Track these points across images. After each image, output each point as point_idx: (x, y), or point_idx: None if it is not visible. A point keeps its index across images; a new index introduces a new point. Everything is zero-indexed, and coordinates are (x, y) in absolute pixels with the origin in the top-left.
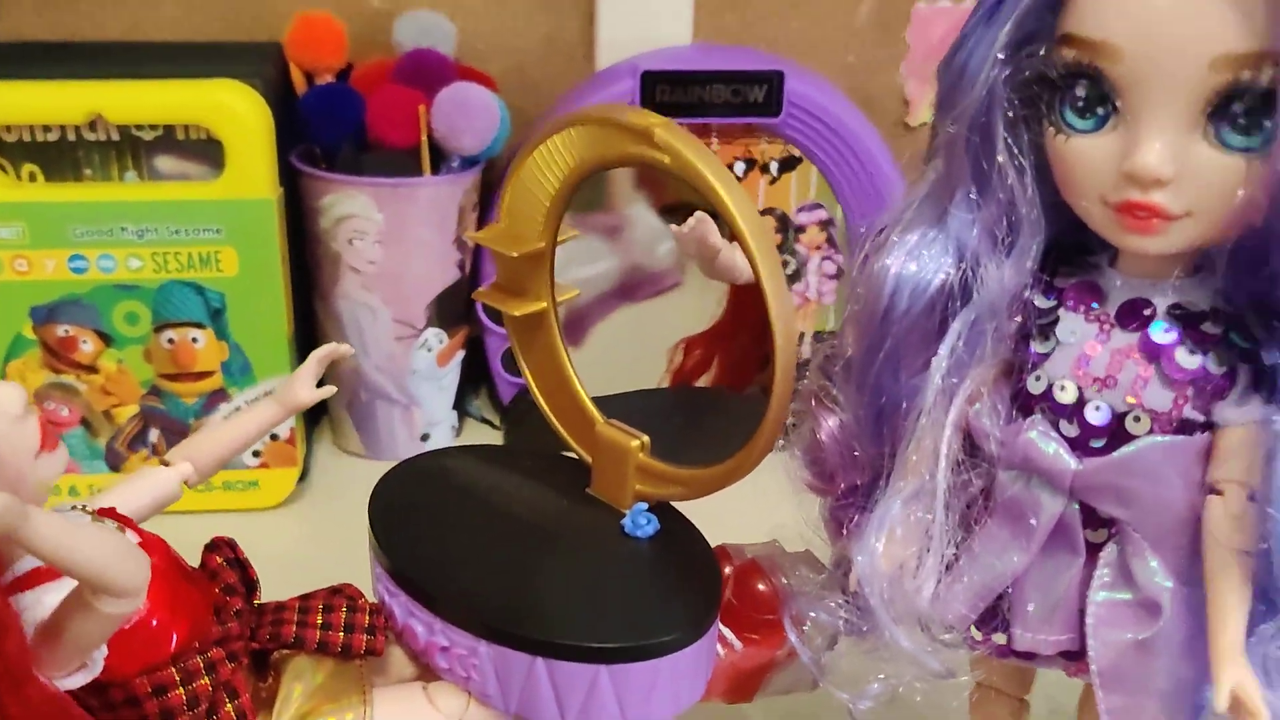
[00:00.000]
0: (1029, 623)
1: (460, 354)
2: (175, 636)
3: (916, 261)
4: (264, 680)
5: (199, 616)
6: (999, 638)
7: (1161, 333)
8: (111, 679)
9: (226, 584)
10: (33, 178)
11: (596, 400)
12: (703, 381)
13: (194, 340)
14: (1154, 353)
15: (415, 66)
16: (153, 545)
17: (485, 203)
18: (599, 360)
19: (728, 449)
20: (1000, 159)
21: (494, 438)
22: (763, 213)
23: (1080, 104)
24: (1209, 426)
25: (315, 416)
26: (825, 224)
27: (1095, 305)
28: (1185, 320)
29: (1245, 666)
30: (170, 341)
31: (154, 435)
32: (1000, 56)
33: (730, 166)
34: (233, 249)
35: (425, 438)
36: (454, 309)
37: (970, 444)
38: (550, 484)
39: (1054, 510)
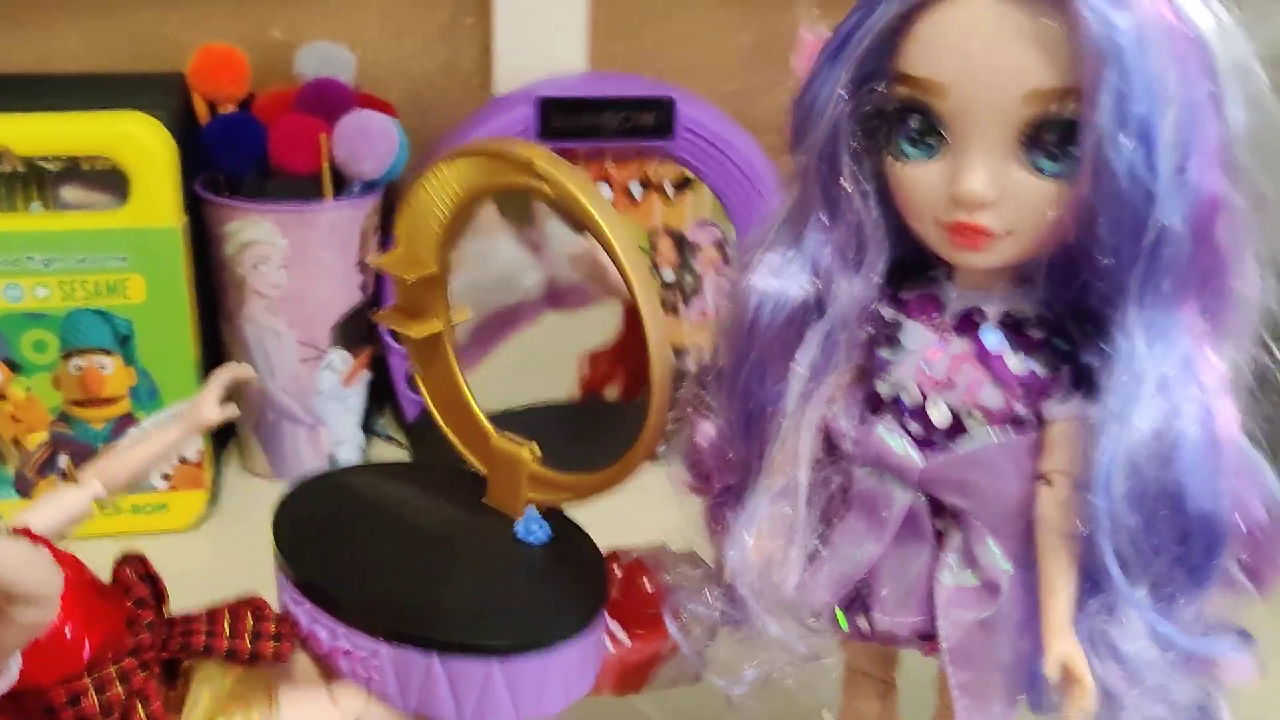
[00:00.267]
0: (886, 607)
1: (365, 374)
2: (89, 647)
3: (778, 279)
4: (174, 688)
5: (112, 628)
6: (862, 622)
7: (992, 338)
8: (27, 688)
9: (138, 597)
10: None
11: (494, 416)
12: (610, 391)
13: (102, 367)
14: (985, 357)
15: (316, 95)
16: (66, 561)
17: (386, 226)
18: (519, 370)
19: (613, 455)
20: (846, 185)
21: (400, 456)
22: (660, 232)
23: (914, 135)
24: (1039, 422)
25: (223, 439)
26: (720, 243)
27: (935, 315)
28: (1013, 327)
29: (1072, 639)
30: (78, 368)
31: (63, 461)
32: (843, 94)
33: (627, 188)
34: (139, 276)
35: (332, 458)
36: (358, 330)
37: (830, 444)
38: (447, 496)
39: (904, 502)
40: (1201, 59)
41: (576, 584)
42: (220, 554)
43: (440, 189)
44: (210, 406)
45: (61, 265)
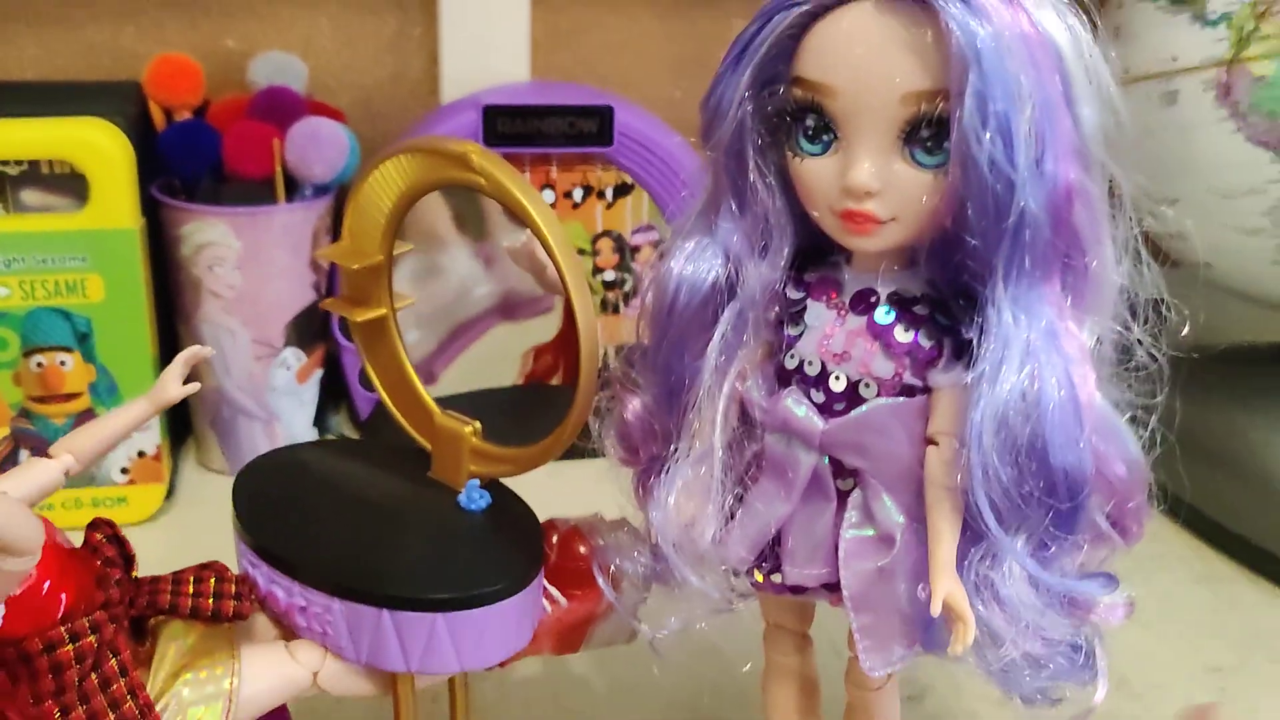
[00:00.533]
0: (795, 560)
1: (319, 372)
2: (64, 601)
3: (693, 264)
4: (142, 644)
5: (84, 584)
6: (775, 576)
7: (883, 315)
8: (4, 638)
9: (107, 557)
10: None
11: (443, 399)
12: (554, 380)
13: (62, 364)
14: (877, 332)
15: (269, 103)
16: (41, 522)
17: (338, 227)
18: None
19: (547, 430)
20: (752, 178)
21: None
22: (601, 235)
23: (810, 132)
24: (928, 390)
25: (180, 435)
26: (658, 244)
27: (834, 295)
28: (901, 305)
29: (955, 580)
30: (39, 365)
31: (24, 456)
32: (746, 95)
33: (570, 193)
34: (98, 276)
35: None
36: (311, 328)
37: (745, 414)
38: (395, 469)
39: (809, 464)
40: (1054, 62)
41: (515, 546)
42: (177, 546)
43: (384, 184)
44: (174, 384)
45: (22, 265)
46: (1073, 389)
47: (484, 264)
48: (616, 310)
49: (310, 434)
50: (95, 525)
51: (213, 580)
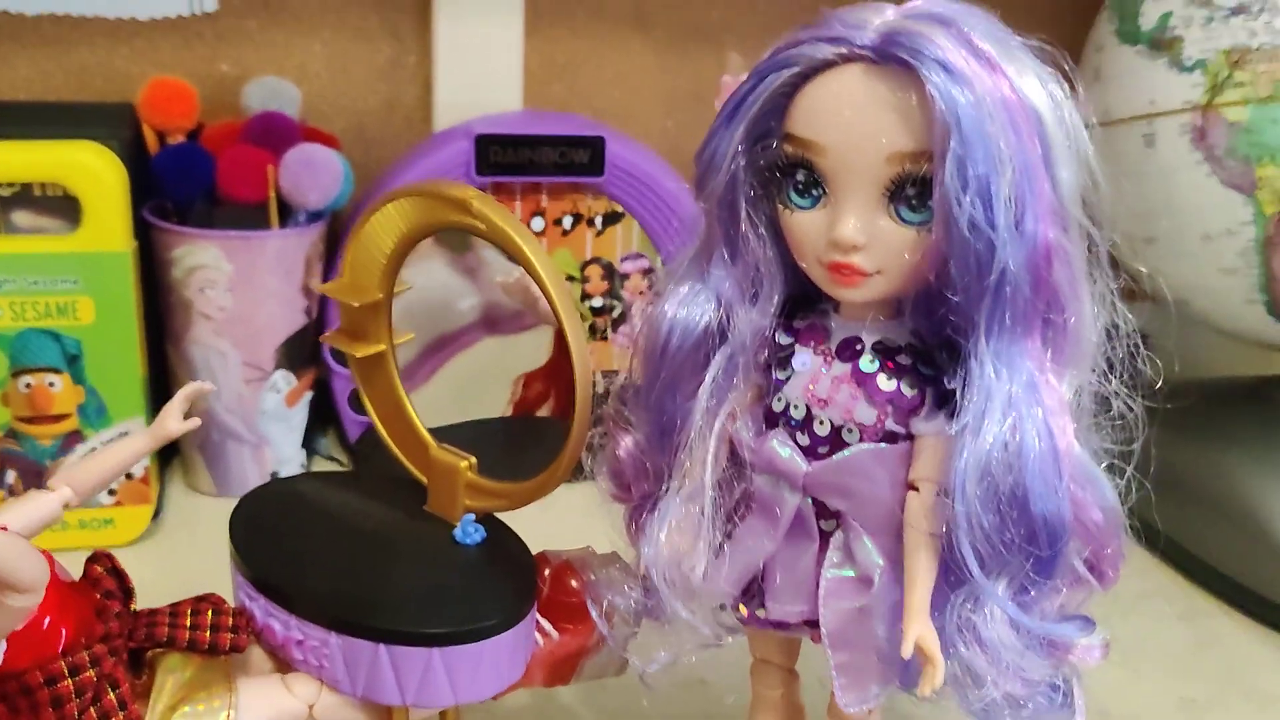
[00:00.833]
0: (779, 597)
1: (308, 395)
2: (64, 634)
3: (686, 308)
4: (140, 676)
5: (84, 618)
6: (760, 611)
7: (867, 363)
8: (6, 672)
9: (106, 590)
10: None
11: (435, 430)
12: (544, 410)
13: (51, 385)
14: (860, 379)
15: (263, 128)
16: (45, 558)
17: (330, 253)
18: (459, 392)
19: (542, 465)
20: (744, 228)
21: None
22: (590, 262)
23: (800, 187)
24: (911, 437)
25: (167, 457)
26: (647, 272)
27: (821, 342)
28: (885, 354)
29: (927, 623)
30: (27, 386)
31: (11, 477)
32: (739, 149)
33: (559, 220)
34: (89, 298)
35: (275, 476)
36: (301, 352)
37: (735, 454)
38: (391, 502)
39: (794, 504)
40: (1034, 127)
41: (509, 581)
42: (165, 568)
43: (385, 224)
44: (175, 419)
45: (13, 286)
46: (1051, 439)
47: (466, 276)
48: (605, 337)
49: (299, 457)
50: (95, 558)
51: (210, 613)
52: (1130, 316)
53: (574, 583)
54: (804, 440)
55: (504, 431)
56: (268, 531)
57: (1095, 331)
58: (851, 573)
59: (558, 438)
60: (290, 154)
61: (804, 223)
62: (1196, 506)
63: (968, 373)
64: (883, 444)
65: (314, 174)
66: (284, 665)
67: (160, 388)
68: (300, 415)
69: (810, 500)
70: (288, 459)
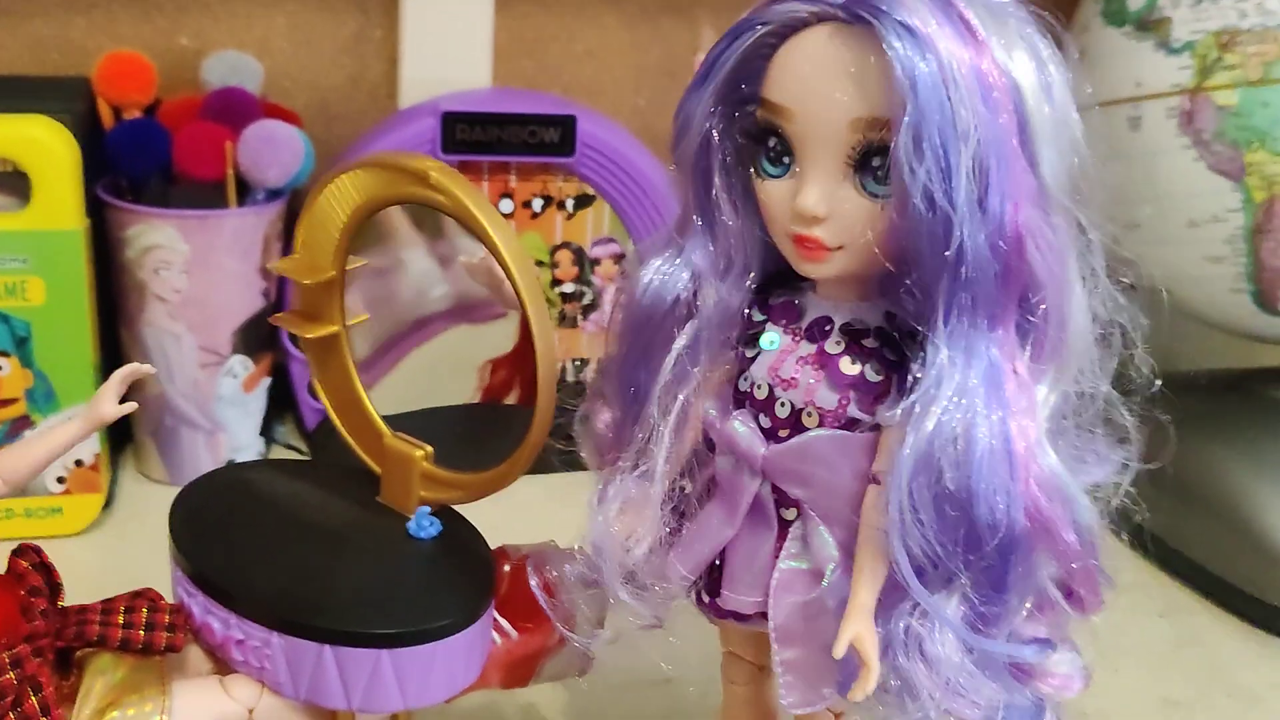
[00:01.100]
0: (735, 586)
1: (266, 381)
2: None
3: (660, 278)
4: (67, 678)
5: (5, 616)
6: (718, 600)
7: (833, 345)
8: None
9: (32, 586)
10: None
11: (391, 418)
12: (510, 398)
13: None
14: (825, 361)
15: (222, 103)
16: None
17: (290, 233)
18: (426, 377)
19: (501, 455)
20: (716, 195)
21: None
22: (560, 246)
23: (772, 154)
24: (877, 426)
25: (119, 443)
26: (619, 257)
27: (793, 321)
28: (852, 336)
29: (868, 624)
30: None
31: None
32: (711, 111)
33: (529, 203)
34: (39, 279)
35: (231, 463)
36: (259, 336)
37: (709, 437)
38: (343, 493)
39: (752, 489)
40: (1009, 100)
41: (465, 578)
42: (115, 558)
43: (340, 198)
44: (110, 403)
45: None
46: (1007, 440)
47: (440, 263)
48: (575, 324)
49: (256, 444)
50: (21, 551)
51: (145, 610)
52: (1134, 313)
53: (534, 580)
54: (766, 422)
55: (464, 419)
56: (210, 523)
57: (1086, 328)
58: (806, 565)
59: (520, 426)
60: (249, 130)
61: (773, 192)
62: (1178, 501)
63: (925, 357)
64: (844, 431)
65: (274, 151)
66: (223, 666)
67: (112, 372)
68: (258, 401)
69: (769, 486)
70: (244, 446)
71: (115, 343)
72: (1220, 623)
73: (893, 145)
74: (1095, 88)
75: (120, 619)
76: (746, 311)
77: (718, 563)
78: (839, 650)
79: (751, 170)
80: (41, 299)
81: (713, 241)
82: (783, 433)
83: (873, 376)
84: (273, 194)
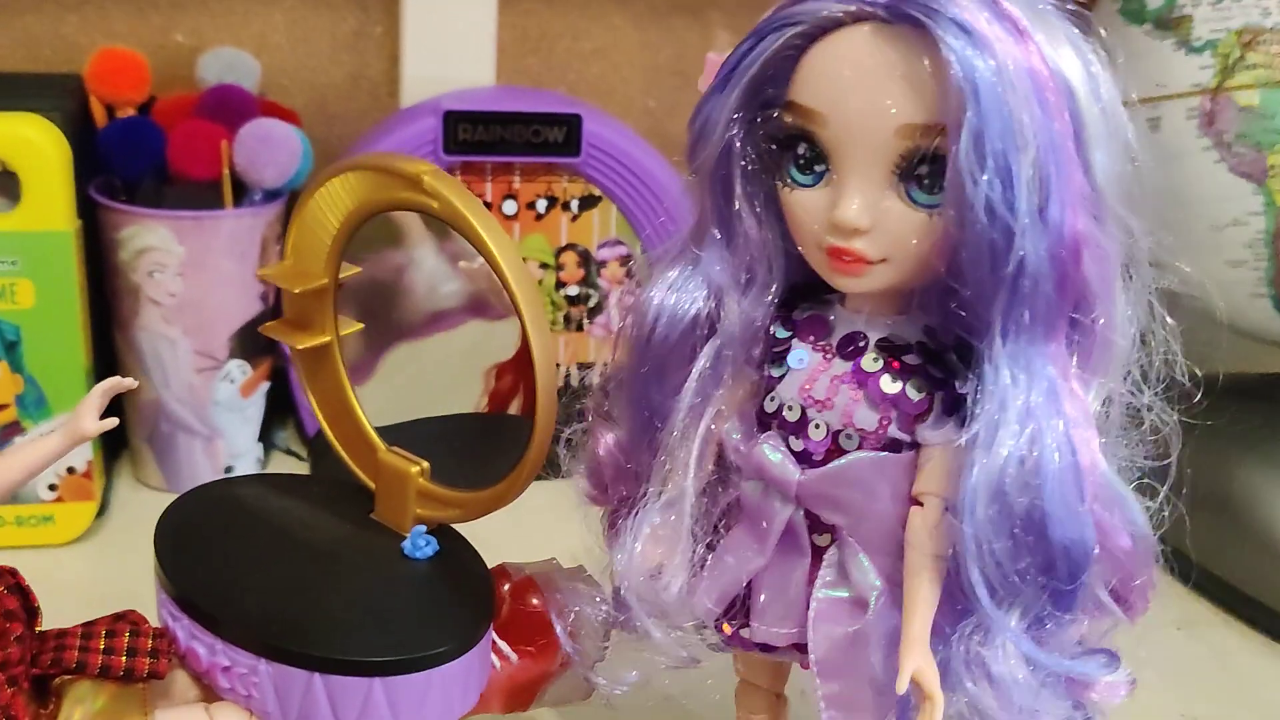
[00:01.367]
0: (765, 617)
1: (264, 385)
2: None
3: (675, 294)
4: (45, 707)
5: None
6: (744, 631)
7: (870, 362)
8: None
9: (6, 609)
10: None
11: (383, 429)
12: (515, 402)
13: None
14: (862, 380)
15: (218, 101)
16: None
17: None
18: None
19: (501, 472)
20: (738, 206)
21: (299, 470)
22: (565, 248)
23: (802, 162)
24: (916, 446)
25: (115, 449)
26: (625, 259)
27: (822, 337)
28: (890, 352)
29: (926, 655)
30: None
31: None
32: (734, 117)
33: (533, 204)
34: (29, 281)
35: (229, 470)
36: (257, 340)
37: (724, 457)
38: (335, 510)
39: (784, 516)
40: (1065, 102)
41: (462, 601)
42: (108, 568)
43: (331, 202)
44: (90, 418)
45: None
46: (1074, 455)
47: (450, 261)
48: (580, 327)
49: (255, 450)
50: None
51: (127, 635)
52: (1170, 320)
53: (535, 600)
54: (798, 445)
55: (462, 431)
56: (197, 542)
57: (1128, 335)
58: (846, 594)
59: (520, 440)
60: (246, 129)
61: (804, 202)
62: (1198, 511)
63: (981, 377)
64: (884, 452)
65: (270, 150)
66: (209, 693)
67: (105, 377)
68: (256, 407)
69: (802, 512)
70: (243, 452)
71: (109, 348)
72: (1239, 636)
73: (951, 153)
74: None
75: (101, 644)
76: (769, 328)
77: (743, 592)
78: (902, 685)
79: (776, 179)
80: (31, 302)
81: (733, 254)
82: (817, 456)
83: (914, 395)
84: (270, 195)
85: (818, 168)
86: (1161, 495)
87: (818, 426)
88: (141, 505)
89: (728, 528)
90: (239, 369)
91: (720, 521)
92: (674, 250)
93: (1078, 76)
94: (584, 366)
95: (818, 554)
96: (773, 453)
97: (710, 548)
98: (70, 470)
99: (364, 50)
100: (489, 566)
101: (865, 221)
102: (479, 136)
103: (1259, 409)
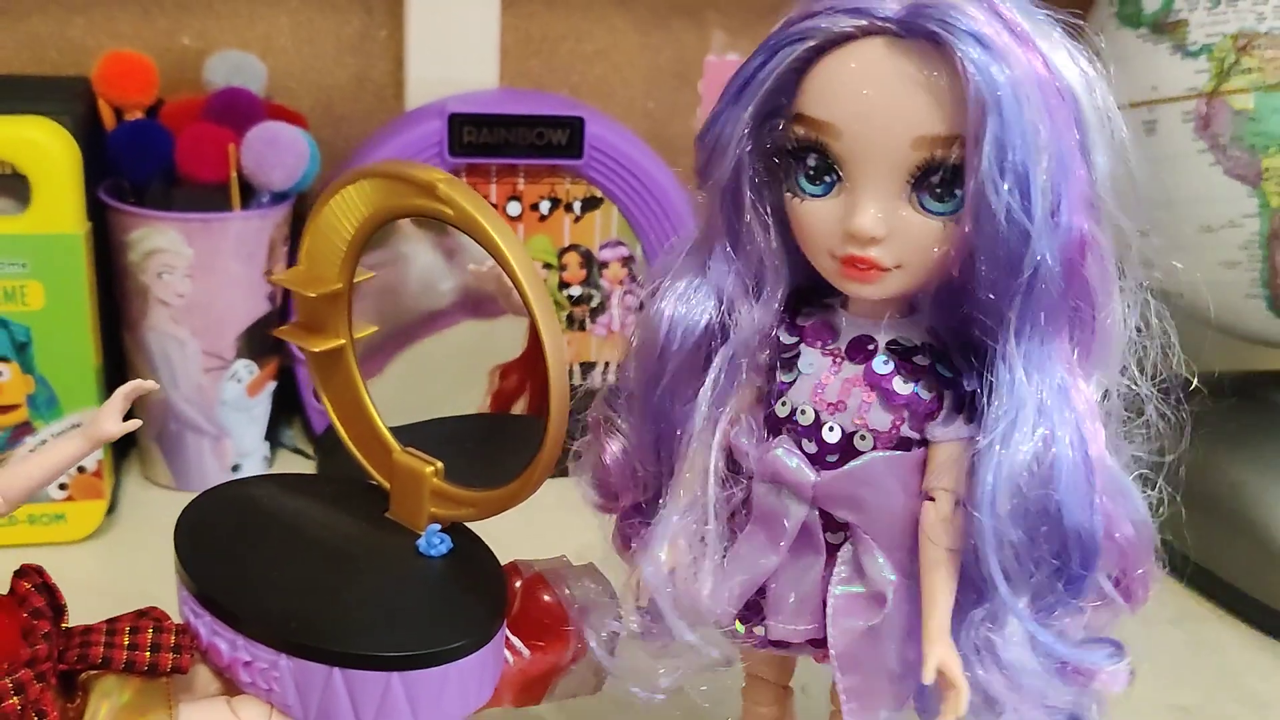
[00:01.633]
0: (781, 615)
1: (271, 385)
2: None
3: (685, 305)
4: (72, 701)
5: (7, 639)
6: (759, 629)
7: (881, 364)
8: None
9: (34, 608)
10: None
11: (397, 429)
12: (520, 402)
13: None
14: (875, 382)
15: (225, 104)
16: None
17: (296, 237)
18: (434, 379)
19: (514, 472)
20: (748, 218)
21: (307, 468)
22: (568, 249)
23: (811, 172)
24: (925, 443)
25: (124, 449)
26: (626, 260)
27: (830, 341)
28: (900, 354)
29: (949, 646)
30: None
31: None
32: (746, 132)
33: (536, 205)
34: (39, 283)
35: (236, 469)
36: (264, 340)
37: (733, 461)
38: (350, 509)
39: (799, 516)
40: (1070, 109)
41: (476, 597)
42: (119, 565)
43: (345, 209)
44: (113, 420)
45: None
46: (1084, 447)
47: (445, 257)
48: (583, 327)
49: (262, 449)
50: (23, 573)
51: (150, 630)
52: (1166, 314)
53: (547, 597)
54: (811, 448)
55: (475, 431)
56: (216, 541)
57: (1124, 329)
58: (861, 589)
59: (532, 440)
60: (253, 132)
61: (815, 212)
62: (1188, 506)
63: (995, 377)
64: (896, 451)
65: (278, 153)
66: (231, 687)
67: (115, 378)
68: (263, 406)
69: (817, 512)
70: (250, 451)
71: (118, 348)
72: (1232, 630)
73: (971, 163)
74: (1111, 91)
75: (125, 640)
76: (774, 333)
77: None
78: (928, 676)
79: (785, 189)
80: (41, 304)
81: (741, 262)
82: (831, 458)
83: (925, 395)
84: (277, 197)
85: (827, 178)
86: (1156, 490)
87: (831, 429)
88: (150, 504)
89: (740, 528)
90: (246, 369)
91: (732, 521)
92: (679, 260)
93: (1078, 82)
94: (586, 366)
95: (831, 551)
96: (788, 457)
97: (725, 550)
98: (81, 470)
99: (369, 53)
100: (501, 564)
101: (881, 230)
102: (484, 139)
103: (1252, 408)
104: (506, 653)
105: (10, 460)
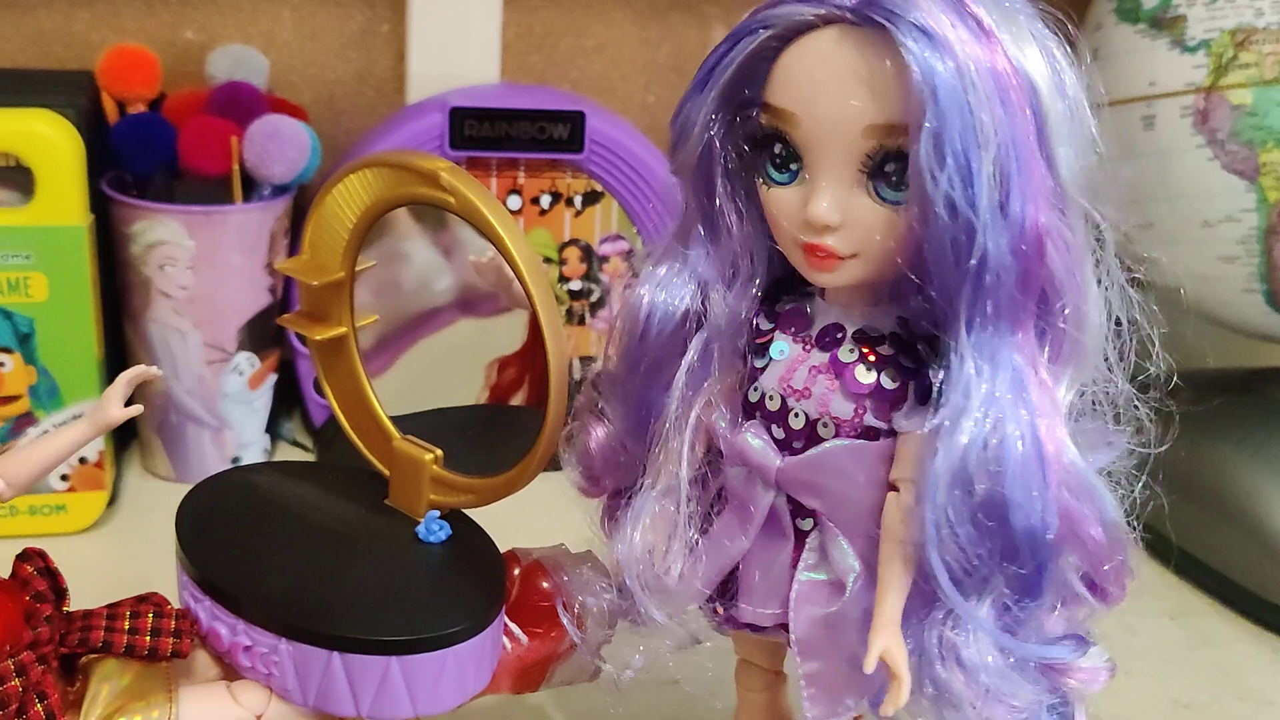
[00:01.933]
0: (752, 598)
1: (272, 377)
2: None
3: (665, 291)
4: (72, 684)
5: (9, 622)
6: (733, 612)
7: (847, 353)
8: None
9: (37, 591)
10: None
11: (397, 418)
12: (518, 396)
13: (0, 365)
14: (839, 370)
15: (228, 98)
16: None
17: (297, 229)
18: (431, 373)
19: (512, 459)
20: (720, 203)
21: (306, 460)
22: (569, 243)
23: (778, 160)
24: (894, 434)
25: (124, 440)
26: (627, 254)
27: (802, 329)
28: (866, 342)
29: (895, 635)
30: None
31: None
32: (713, 117)
33: (537, 199)
34: (42, 275)
35: (236, 461)
36: (266, 333)
37: (715, 446)
38: (351, 496)
39: (767, 501)
40: (1027, 100)
41: (475, 583)
42: (120, 556)
43: (348, 198)
44: (116, 405)
45: None
46: (1038, 444)
47: (443, 254)
48: (583, 321)
49: (262, 441)
50: (26, 556)
51: (151, 615)
52: (1150, 308)
53: (545, 584)
54: (779, 433)
55: (474, 421)
56: (217, 527)
57: (1100, 325)
58: (825, 576)
59: (531, 429)
60: (255, 125)
61: (780, 200)
62: (1186, 501)
63: (948, 368)
64: (861, 440)
65: (280, 146)
66: (230, 672)
67: (117, 369)
68: (264, 398)
69: (785, 497)
70: (250, 443)
71: (120, 339)
72: (1231, 625)
73: (912, 152)
74: (1108, 86)
75: (125, 624)
76: (753, 320)
77: (731, 573)
78: (869, 665)
79: (756, 177)
80: (45, 295)
81: (717, 249)
82: (797, 444)
83: (888, 384)
84: (279, 190)
85: (793, 166)
86: (1144, 484)
87: (797, 415)
88: (151, 494)
89: (719, 513)
90: (247, 361)
91: (713, 508)
92: (661, 247)
93: (1041, 73)
94: (586, 360)
95: (801, 538)
96: (754, 440)
97: (704, 532)
98: (82, 460)
99: (371, 47)
100: (500, 551)
101: (835, 218)
102: (485, 133)
103: (1249, 402)
104: (505, 639)
105: (14, 446)
